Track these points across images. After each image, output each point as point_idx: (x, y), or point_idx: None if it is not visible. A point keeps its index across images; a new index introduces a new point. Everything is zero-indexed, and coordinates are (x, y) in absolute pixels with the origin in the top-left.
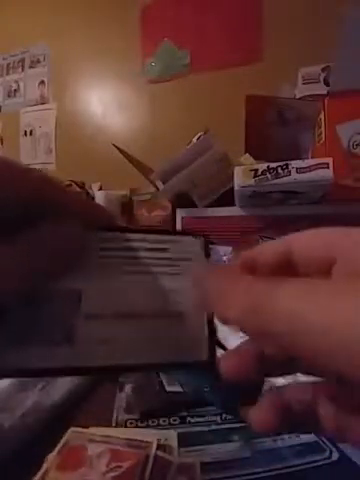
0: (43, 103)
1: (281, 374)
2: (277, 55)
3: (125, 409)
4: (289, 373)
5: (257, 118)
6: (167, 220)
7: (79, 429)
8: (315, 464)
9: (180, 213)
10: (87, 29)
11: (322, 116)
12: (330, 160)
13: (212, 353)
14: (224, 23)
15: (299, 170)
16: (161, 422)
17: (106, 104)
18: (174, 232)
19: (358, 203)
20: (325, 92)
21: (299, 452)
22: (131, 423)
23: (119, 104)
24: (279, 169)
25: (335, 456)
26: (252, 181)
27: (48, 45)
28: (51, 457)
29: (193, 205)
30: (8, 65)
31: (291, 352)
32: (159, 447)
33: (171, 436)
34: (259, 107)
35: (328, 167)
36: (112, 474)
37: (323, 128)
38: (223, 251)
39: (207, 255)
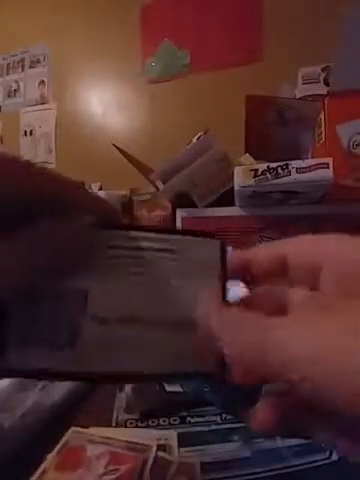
0: (43, 103)
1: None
2: (277, 55)
3: (125, 409)
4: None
5: (257, 118)
6: (167, 220)
7: (79, 429)
8: (315, 464)
9: (180, 213)
10: (87, 29)
11: (322, 116)
12: (330, 160)
13: (222, 365)
14: (224, 23)
15: (299, 170)
16: (161, 422)
17: (106, 104)
18: (188, 232)
19: (358, 203)
20: (325, 92)
21: (299, 452)
22: (131, 423)
23: (119, 104)
24: (279, 169)
25: (335, 456)
26: (252, 181)
27: (48, 45)
28: (50, 457)
29: (193, 205)
30: (8, 65)
31: (284, 382)
32: (159, 447)
33: (171, 436)
34: (259, 107)
35: (328, 167)
36: (109, 477)
37: (323, 128)
38: None
39: (223, 260)
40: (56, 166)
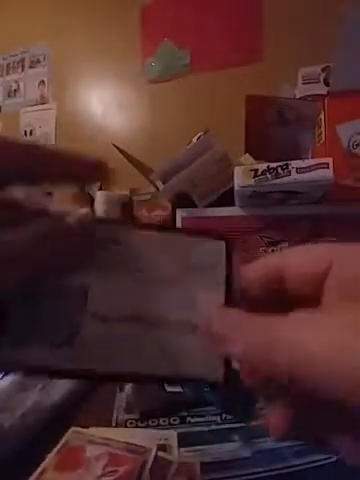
0: (43, 103)
1: None
2: (277, 55)
3: (125, 409)
4: None
5: (257, 118)
6: (167, 220)
7: (79, 429)
8: (315, 464)
9: (180, 213)
10: (87, 29)
11: (322, 116)
12: (330, 160)
13: (223, 368)
14: (224, 23)
15: (299, 170)
16: (161, 422)
17: (106, 104)
18: (194, 232)
19: (358, 203)
20: (325, 92)
21: (299, 452)
22: (131, 423)
23: (119, 104)
24: (279, 169)
25: (335, 456)
26: (252, 181)
27: (48, 45)
28: (50, 457)
29: (193, 205)
30: (8, 65)
31: (292, 381)
32: (159, 447)
33: (171, 436)
34: (259, 107)
35: (328, 167)
36: (107, 478)
37: (323, 128)
38: None
39: (229, 260)
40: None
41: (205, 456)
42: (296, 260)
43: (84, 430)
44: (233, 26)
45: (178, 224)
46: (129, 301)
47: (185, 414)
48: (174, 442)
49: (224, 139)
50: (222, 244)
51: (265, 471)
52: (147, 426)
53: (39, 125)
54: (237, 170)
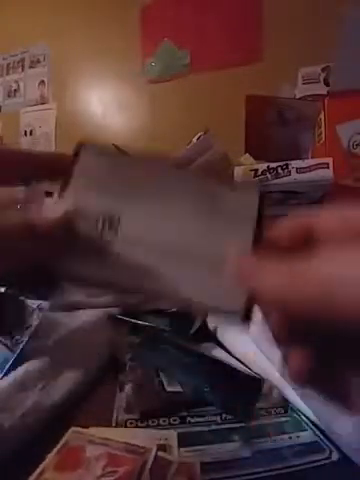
0: (43, 103)
1: None
2: (277, 55)
3: (125, 409)
4: None
5: (257, 118)
6: None
7: (79, 429)
8: (315, 464)
9: None
10: (87, 29)
11: (322, 116)
12: (330, 160)
13: (248, 305)
14: (224, 23)
15: (299, 170)
16: (161, 422)
17: (106, 104)
18: (231, 181)
19: (358, 203)
20: (325, 92)
21: (299, 452)
22: (131, 423)
23: (119, 104)
24: (279, 169)
25: (335, 456)
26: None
27: (48, 45)
28: (50, 457)
29: None
30: (8, 65)
31: (325, 316)
32: (159, 447)
33: (171, 436)
34: (259, 107)
35: (328, 167)
36: (107, 478)
37: (323, 128)
38: None
39: (260, 216)
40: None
41: (205, 456)
42: (323, 218)
43: (84, 430)
44: (233, 26)
45: None
46: (162, 229)
47: (185, 414)
48: (174, 442)
49: (224, 139)
50: (255, 195)
51: (265, 471)
52: (147, 426)
53: (39, 125)
54: (237, 170)
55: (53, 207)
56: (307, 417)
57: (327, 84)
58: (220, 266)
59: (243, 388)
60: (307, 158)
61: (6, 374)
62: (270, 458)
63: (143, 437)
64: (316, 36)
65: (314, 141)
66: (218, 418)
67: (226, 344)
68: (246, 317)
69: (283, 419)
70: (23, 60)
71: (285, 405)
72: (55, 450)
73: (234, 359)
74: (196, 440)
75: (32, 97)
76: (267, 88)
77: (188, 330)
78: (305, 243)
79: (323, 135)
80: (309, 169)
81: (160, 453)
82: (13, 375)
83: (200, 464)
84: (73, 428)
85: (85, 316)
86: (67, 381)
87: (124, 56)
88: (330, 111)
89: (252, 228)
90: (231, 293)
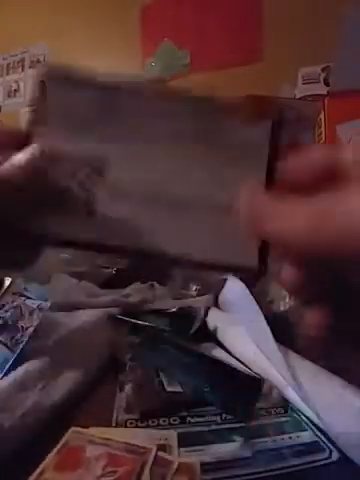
0: None
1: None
2: (277, 55)
3: (125, 409)
4: None
5: None
6: None
7: (79, 429)
8: (315, 464)
9: None
10: (87, 29)
11: (322, 116)
12: None
13: (262, 260)
14: (224, 23)
15: None
16: (161, 422)
17: None
18: (238, 104)
19: None
20: (325, 92)
21: (299, 452)
22: (131, 423)
23: None
24: None
25: (335, 456)
26: None
27: (48, 45)
28: (50, 457)
29: None
30: (8, 65)
31: (356, 258)
32: (159, 447)
33: (171, 436)
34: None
35: None
36: (107, 478)
37: (323, 128)
38: None
39: (274, 144)
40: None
41: (205, 456)
42: (352, 149)
43: (84, 430)
44: (233, 26)
45: None
46: (155, 177)
47: (185, 414)
48: (174, 442)
49: None
50: (267, 123)
51: (265, 471)
52: (147, 426)
53: None
54: None
55: (21, 153)
56: (307, 417)
57: (327, 84)
58: (224, 214)
59: (243, 388)
60: None
61: (6, 374)
62: (270, 458)
63: (143, 437)
64: (316, 36)
65: (314, 141)
66: (218, 418)
67: (226, 344)
68: (261, 271)
69: (283, 419)
70: (23, 60)
71: (285, 405)
72: (55, 450)
73: (234, 359)
74: (196, 440)
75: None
76: (267, 88)
77: (188, 330)
78: (329, 180)
79: (323, 135)
80: None
81: (160, 453)
82: (13, 375)
83: (200, 464)
84: (73, 428)
85: (85, 316)
86: (67, 381)
87: (124, 56)
88: (330, 111)
89: (264, 165)
90: (241, 244)
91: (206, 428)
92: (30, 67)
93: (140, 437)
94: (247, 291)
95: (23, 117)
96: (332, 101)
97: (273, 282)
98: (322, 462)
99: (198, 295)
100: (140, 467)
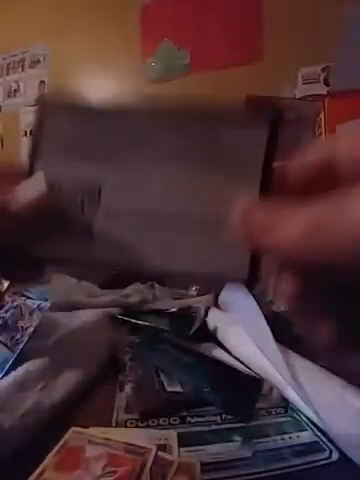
0: None
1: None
2: (277, 55)
3: (125, 409)
4: None
5: None
6: None
7: (79, 429)
8: (315, 464)
9: None
10: (87, 29)
11: (322, 116)
12: None
13: (254, 269)
14: (224, 23)
15: None
16: (161, 422)
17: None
18: (230, 111)
19: None
20: (325, 92)
21: (299, 452)
22: (131, 423)
23: None
24: None
25: (335, 456)
26: None
27: (48, 45)
28: (50, 457)
29: None
30: (8, 65)
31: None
32: (159, 447)
33: (171, 436)
34: (259, 107)
35: None
36: (107, 479)
37: (323, 128)
38: None
39: (270, 152)
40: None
41: (205, 456)
42: (348, 144)
43: (84, 430)
44: (233, 26)
45: None
46: (145, 192)
47: (185, 414)
48: (174, 442)
49: None
50: (265, 129)
51: (265, 471)
52: (147, 426)
53: None
54: None
55: (26, 185)
56: (307, 417)
57: (327, 84)
58: (219, 225)
59: (243, 388)
60: None
61: (6, 374)
62: (270, 458)
63: (143, 437)
64: (316, 36)
65: (314, 141)
66: (218, 418)
67: (226, 344)
68: (252, 281)
69: (283, 419)
70: (23, 60)
71: (285, 405)
72: (55, 450)
73: (234, 359)
74: (196, 440)
75: (32, 97)
76: (267, 88)
77: (188, 330)
78: (329, 180)
79: (323, 135)
80: None
81: (160, 453)
82: (13, 375)
83: (200, 464)
84: (73, 428)
85: (85, 316)
86: (67, 381)
87: (124, 56)
88: (330, 111)
89: (259, 174)
90: (233, 256)
91: (206, 428)
92: (30, 67)
93: (140, 437)
94: (247, 291)
95: (23, 117)
96: (332, 101)
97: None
98: (322, 462)
99: (198, 295)
100: (140, 467)
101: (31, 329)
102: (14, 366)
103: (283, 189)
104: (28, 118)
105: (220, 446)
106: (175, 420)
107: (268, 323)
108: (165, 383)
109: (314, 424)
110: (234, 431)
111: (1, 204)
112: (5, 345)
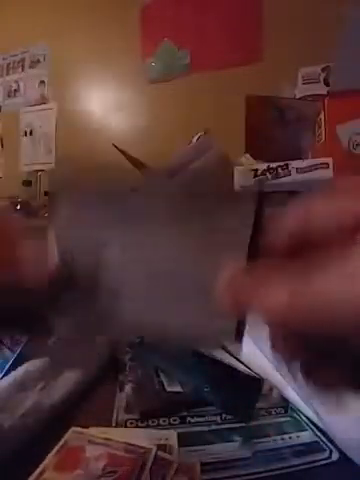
0: (43, 103)
1: None
2: (277, 55)
3: (125, 409)
4: None
5: (257, 118)
6: None
7: (79, 429)
8: (315, 464)
9: None
10: (87, 29)
11: (322, 116)
12: (330, 160)
13: (239, 328)
14: (224, 23)
15: (299, 170)
16: (161, 422)
17: (106, 104)
18: (224, 195)
19: None
20: (325, 92)
21: (299, 452)
22: (131, 423)
23: (119, 104)
24: (279, 169)
25: (335, 456)
26: (252, 181)
27: (48, 45)
28: (50, 457)
29: None
30: (8, 65)
31: (344, 332)
32: (159, 447)
33: (171, 436)
34: (259, 107)
35: (328, 167)
36: (107, 479)
37: (323, 128)
38: None
39: (257, 224)
40: (56, 166)
41: (205, 456)
42: (322, 212)
43: (84, 430)
44: (233, 26)
45: None
46: (146, 265)
47: (185, 414)
48: (174, 442)
49: (224, 139)
50: (252, 203)
51: (265, 471)
52: (147, 426)
53: (39, 125)
54: (237, 170)
55: (41, 260)
56: (307, 417)
57: (327, 84)
58: (209, 292)
59: (243, 388)
60: (307, 158)
61: (6, 374)
62: (270, 458)
63: (143, 437)
64: (316, 36)
65: (314, 141)
66: (218, 418)
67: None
68: (238, 340)
69: (283, 419)
70: (23, 60)
71: (285, 405)
72: (55, 450)
73: (234, 359)
74: (196, 440)
75: (32, 97)
76: (267, 88)
77: None
78: (305, 243)
79: (323, 135)
80: (309, 169)
81: (160, 453)
82: (13, 375)
83: (200, 464)
84: (73, 428)
85: None
86: (67, 381)
87: (124, 56)
88: (330, 111)
89: (247, 241)
90: (221, 321)
91: (206, 428)
92: (30, 67)
93: (140, 437)
94: None
95: (23, 117)
96: (332, 101)
97: None
98: (322, 462)
99: None
100: (140, 467)
101: None
102: (14, 366)
103: (268, 253)
104: (28, 118)
105: (220, 446)
106: (175, 420)
107: None
108: (165, 383)
109: (314, 424)
110: (234, 431)
111: (16, 277)
112: (5, 345)
